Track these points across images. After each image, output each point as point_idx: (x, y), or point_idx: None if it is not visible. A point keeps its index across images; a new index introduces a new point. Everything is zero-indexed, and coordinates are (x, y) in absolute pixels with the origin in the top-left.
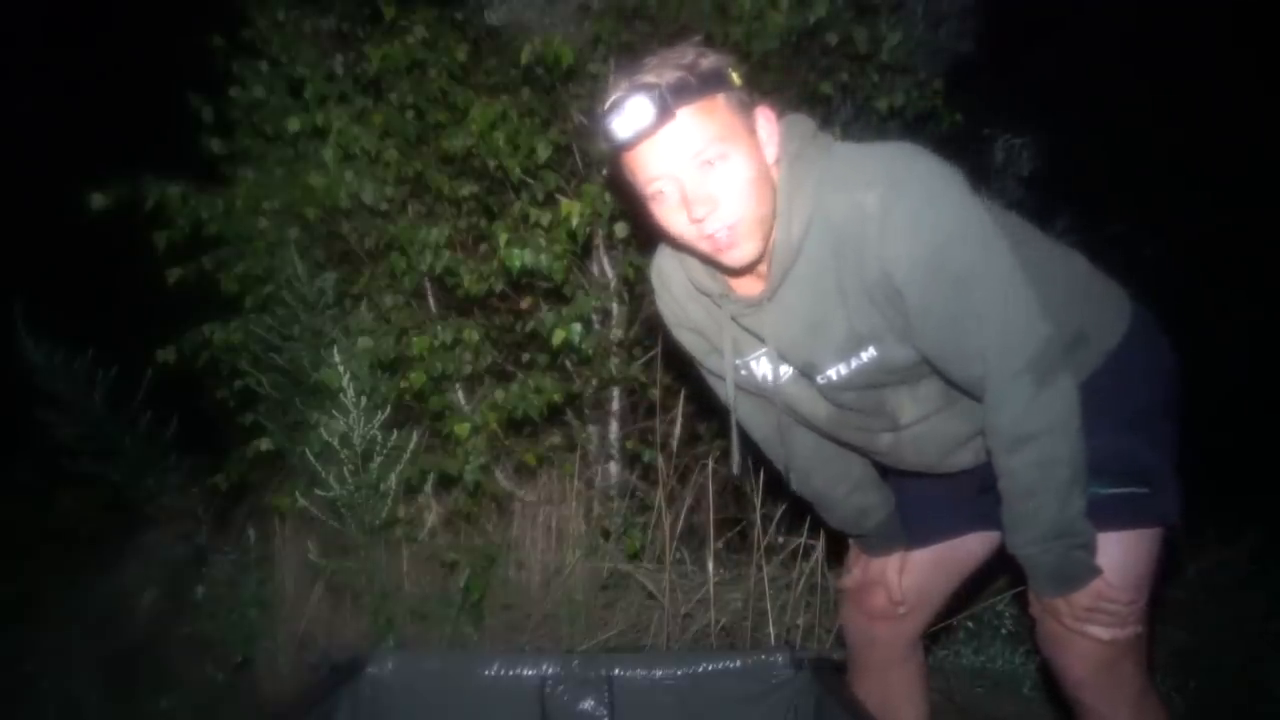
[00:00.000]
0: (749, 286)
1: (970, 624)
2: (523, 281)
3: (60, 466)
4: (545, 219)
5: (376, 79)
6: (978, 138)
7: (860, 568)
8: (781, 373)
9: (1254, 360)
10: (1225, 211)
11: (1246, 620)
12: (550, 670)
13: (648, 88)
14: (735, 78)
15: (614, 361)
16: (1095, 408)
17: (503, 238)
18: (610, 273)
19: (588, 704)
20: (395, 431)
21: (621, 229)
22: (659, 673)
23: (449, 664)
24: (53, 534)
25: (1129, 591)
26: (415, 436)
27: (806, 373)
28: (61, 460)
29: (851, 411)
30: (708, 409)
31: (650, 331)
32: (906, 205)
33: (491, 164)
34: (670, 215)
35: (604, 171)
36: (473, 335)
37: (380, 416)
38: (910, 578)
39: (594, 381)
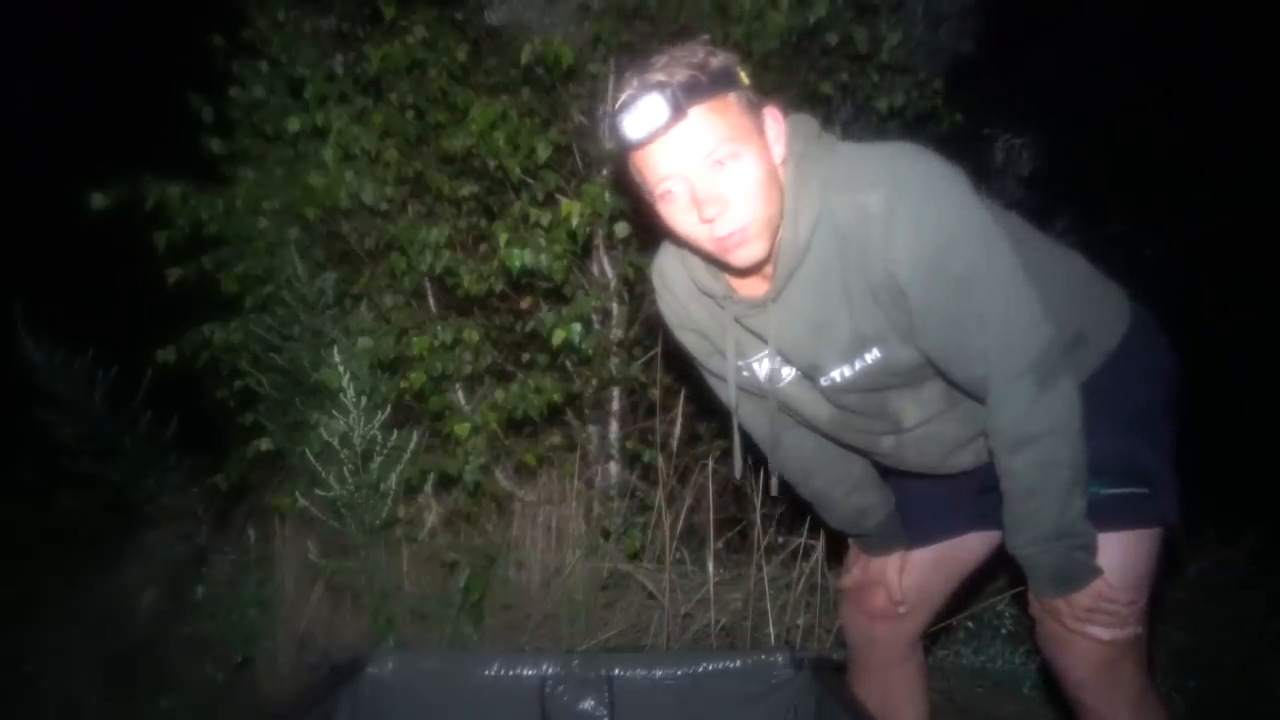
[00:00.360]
0: (752, 287)
1: (970, 624)
2: (523, 281)
3: (60, 466)
4: (545, 219)
5: (376, 79)
6: (978, 138)
7: (860, 567)
8: (784, 374)
9: (1254, 360)
10: (1225, 211)
11: (1246, 620)
12: (550, 670)
13: (659, 86)
14: (744, 77)
15: (614, 361)
16: (1095, 408)
17: (503, 238)
18: (610, 273)
19: (588, 704)
20: (395, 431)
21: (621, 229)
22: (659, 673)
23: (449, 664)
24: (53, 534)
25: (1129, 592)
26: (415, 436)
27: (810, 374)
28: (61, 460)
29: (854, 414)
30: (708, 409)
31: (650, 331)
32: (909, 205)
33: (491, 164)
34: (679, 215)
35: (604, 171)
36: (473, 335)
37: (380, 416)
38: (910, 577)
39: (594, 381)
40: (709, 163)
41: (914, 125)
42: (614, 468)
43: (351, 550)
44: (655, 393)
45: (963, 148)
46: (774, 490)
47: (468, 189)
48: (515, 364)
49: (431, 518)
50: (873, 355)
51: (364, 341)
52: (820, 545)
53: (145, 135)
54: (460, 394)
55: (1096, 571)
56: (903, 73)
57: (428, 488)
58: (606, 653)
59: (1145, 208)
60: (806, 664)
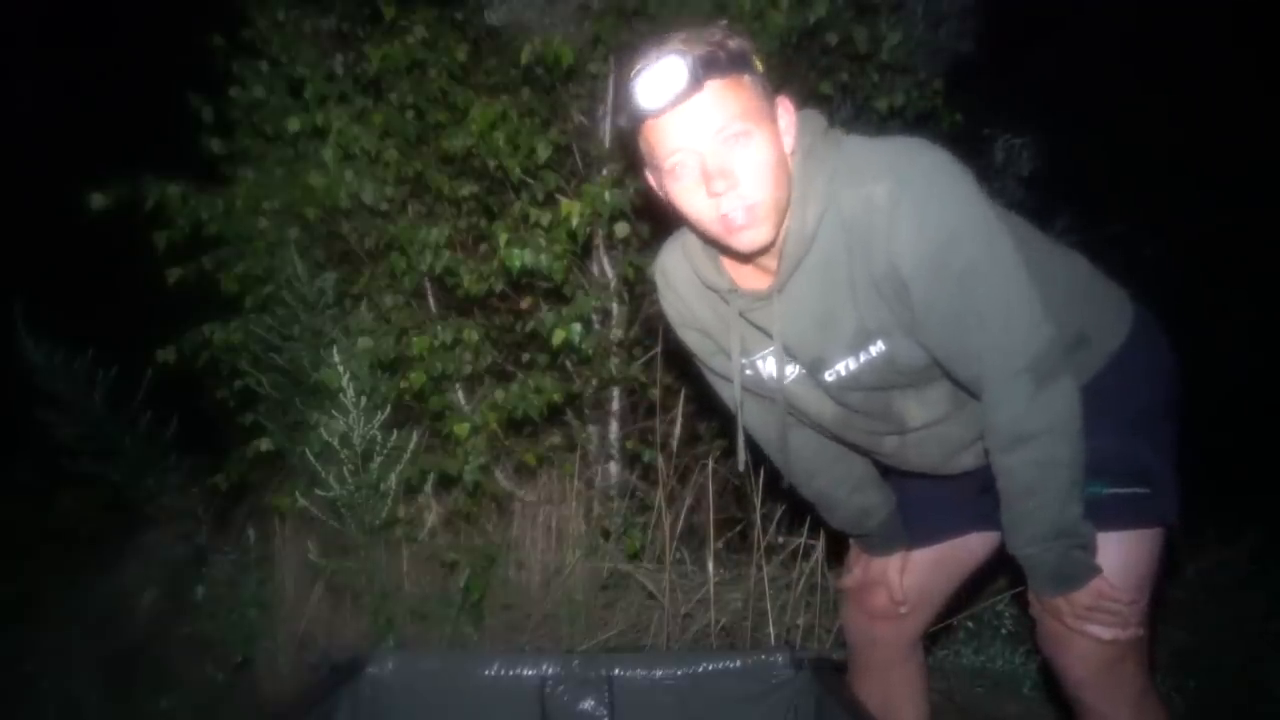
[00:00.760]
0: (754, 281)
1: (970, 624)
2: (523, 281)
3: (60, 466)
4: (545, 219)
5: (376, 79)
6: (978, 138)
7: (861, 567)
8: (788, 372)
9: (1254, 360)
10: (1225, 211)
11: (1246, 620)
12: (550, 670)
13: (679, 53)
14: (759, 64)
15: (614, 361)
16: (1097, 408)
17: (503, 238)
18: (610, 273)
19: (588, 704)
20: (395, 431)
21: (621, 229)
22: (659, 673)
23: (449, 664)
24: (53, 534)
25: (1130, 592)
26: (415, 436)
27: (815, 369)
28: (61, 460)
29: (858, 414)
30: (708, 409)
31: (650, 331)
32: (913, 198)
33: (491, 164)
34: (687, 192)
35: (604, 171)
36: (473, 335)
37: (380, 416)
38: (911, 577)
39: (594, 381)
40: (721, 138)
41: (914, 125)
42: (614, 468)
43: (351, 550)
44: (655, 393)
45: (963, 148)
46: (785, 485)
47: (468, 189)
48: (515, 364)
49: (431, 518)
50: (877, 348)
51: (364, 341)
52: (820, 545)
53: (145, 135)
54: (460, 394)
55: (1096, 570)
56: (903, 73)
57: (428, 488)
58: (606, 653)
59: (1145, 208)
60: (806, 664)
